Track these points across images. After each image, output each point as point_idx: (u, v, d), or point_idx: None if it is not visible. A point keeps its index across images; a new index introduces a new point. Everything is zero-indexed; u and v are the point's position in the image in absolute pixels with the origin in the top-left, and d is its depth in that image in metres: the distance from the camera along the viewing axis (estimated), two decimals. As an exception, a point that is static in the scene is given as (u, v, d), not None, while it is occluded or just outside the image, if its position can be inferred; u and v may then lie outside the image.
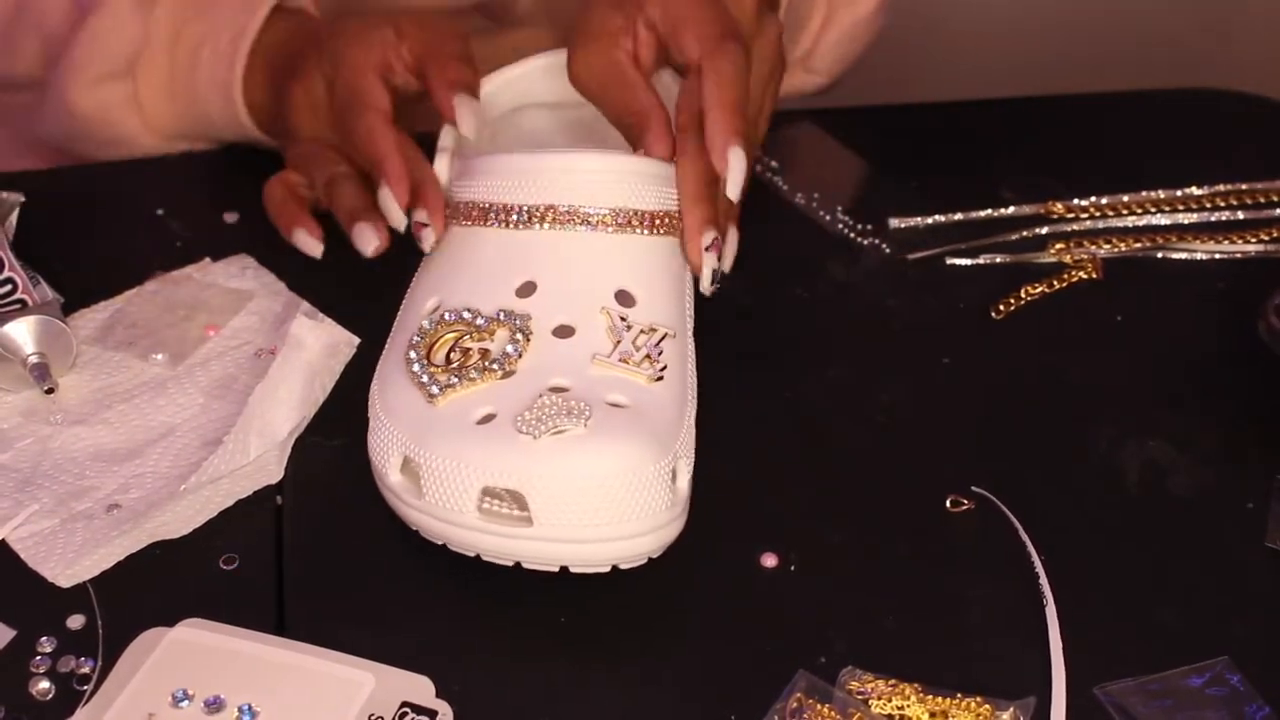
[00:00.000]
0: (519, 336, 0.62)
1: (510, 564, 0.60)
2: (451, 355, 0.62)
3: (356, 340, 0.72)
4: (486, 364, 0.62)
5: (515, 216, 0.66)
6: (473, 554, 0.61)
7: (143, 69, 0.85)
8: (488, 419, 0.60)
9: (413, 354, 0.63)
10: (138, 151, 0.88)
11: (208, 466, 0.66)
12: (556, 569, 0.60)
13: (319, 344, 0.71)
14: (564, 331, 0.63)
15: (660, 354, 0.63)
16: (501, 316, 0.63)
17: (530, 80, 0.79)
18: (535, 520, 0.58)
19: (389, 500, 0.63)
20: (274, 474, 0.68)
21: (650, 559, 0.61)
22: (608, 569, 0.60)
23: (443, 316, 0.64)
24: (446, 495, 0.59)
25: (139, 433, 0.70)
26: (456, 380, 0.61)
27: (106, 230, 0.82)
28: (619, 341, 0.63)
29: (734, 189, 0.67)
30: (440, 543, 0.62)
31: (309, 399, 0.70)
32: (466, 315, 0.64)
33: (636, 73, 0.71)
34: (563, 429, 0.58)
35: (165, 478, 0.68)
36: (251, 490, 0.67)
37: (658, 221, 0.66)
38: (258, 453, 0.67)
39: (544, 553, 0.59)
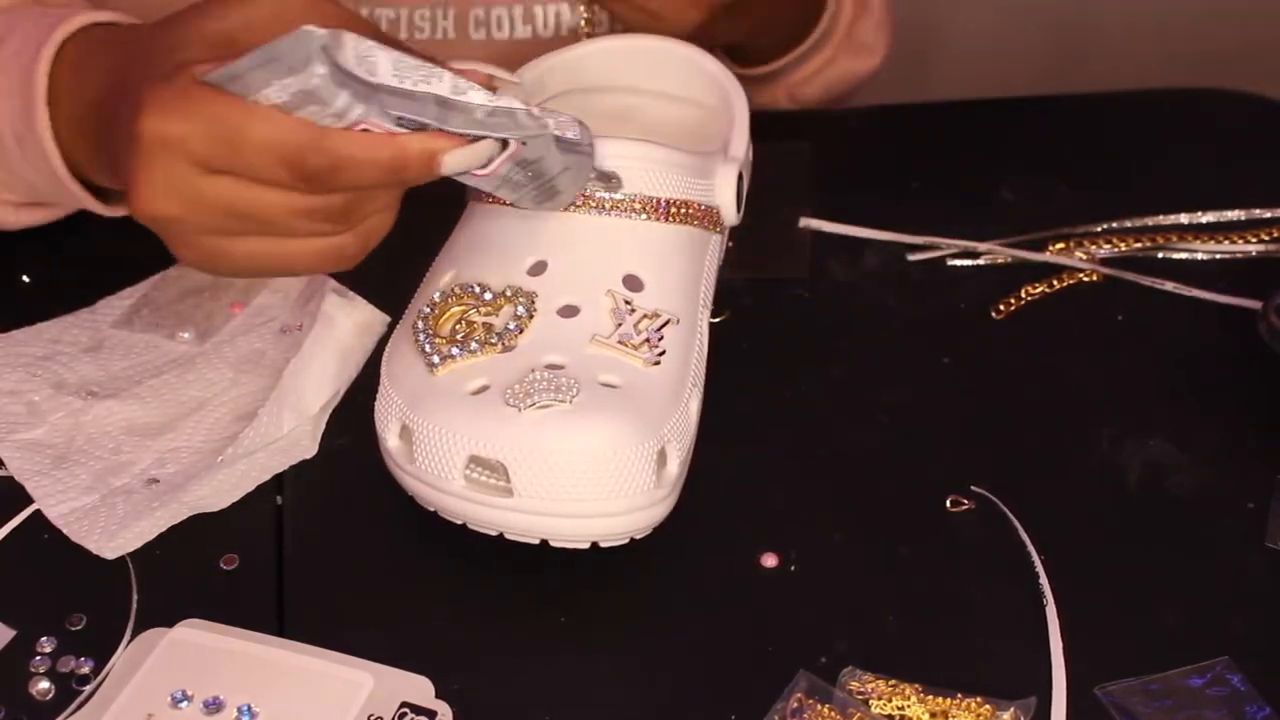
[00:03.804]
0: (522, 313, 0.63)
1: (494, 534, 0.61)
2: (457, 328, 0.64)
3: (386, 318, 0.72)
4: (487, 338, 0.63)
5: None
6: (460, 521, 0.62)
7: None
8: (481, 390, 0.61)
9: (420, 324, 0.64)
10: None
11: (242, 439, 0.66)
12: (537, 541, 0.61)
13: (349, 321, 0.71)
14: (569, 311, 0.64)
15: (661, 339, 0.63)
16: (509, 293, 0.64)
17: (577, 65, 0.78)
18: (515, 491, 0.59)
19: (387, 465, 0.64)
20: (308, 449, 0.68)
21: (633, 541, 0.61)
22: (587, 545, 0.61)
23: (453, 290, 0.65)
24: (436, 462, 0.61)
25: (171, 407, 0.70)
26: (458, 352, 0.62)
27: (106, 230, 0.82)
28: (620, 324, 0.63)
29: None
30: (431, 509, 0.63)
31: (342, 375, 0.71)
32: (475, 290, 0.65)
33: None
34: (547, 403, 0.59)
35: (200, 452, 0.68)
36: (287, 465, 0.68)
37: (673, 209, 0.67)
38: (291, 426, 0.68)
39: (525, 525, 0.60)
